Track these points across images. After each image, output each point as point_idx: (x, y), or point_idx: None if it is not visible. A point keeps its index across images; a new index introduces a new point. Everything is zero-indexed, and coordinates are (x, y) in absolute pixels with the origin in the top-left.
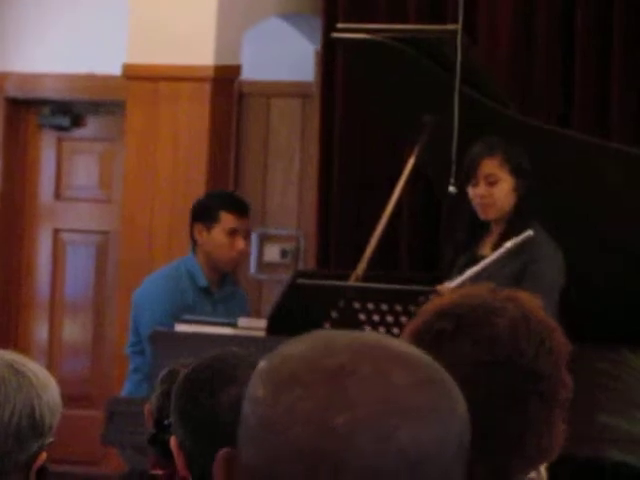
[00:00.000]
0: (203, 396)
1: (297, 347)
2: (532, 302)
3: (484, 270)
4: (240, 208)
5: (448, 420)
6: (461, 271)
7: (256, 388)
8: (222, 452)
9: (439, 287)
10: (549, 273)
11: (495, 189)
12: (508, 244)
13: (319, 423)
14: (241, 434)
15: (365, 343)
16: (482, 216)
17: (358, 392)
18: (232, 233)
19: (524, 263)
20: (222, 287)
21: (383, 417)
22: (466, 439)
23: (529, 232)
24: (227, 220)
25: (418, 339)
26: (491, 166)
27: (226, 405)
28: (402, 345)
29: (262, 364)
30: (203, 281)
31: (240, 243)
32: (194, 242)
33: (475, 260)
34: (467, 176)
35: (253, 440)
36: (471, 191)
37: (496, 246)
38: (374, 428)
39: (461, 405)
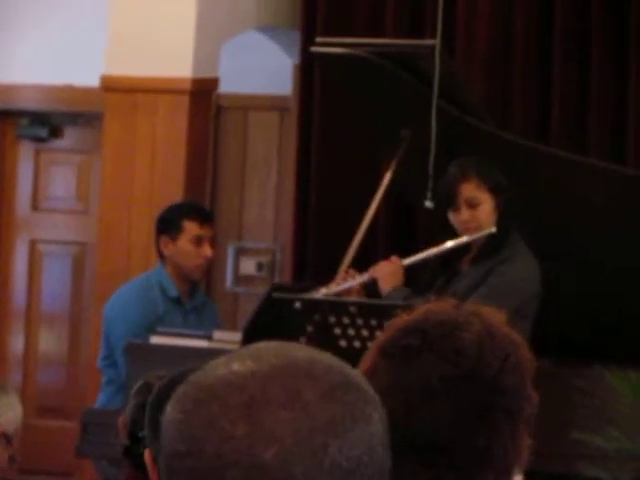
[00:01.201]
0: None
1: (204, 385)
2: (497, 317)
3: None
4: (202, 215)
5: (369, 422)
6: (440, 290)
7: (175, 443)
8: None
9: (392, 258)
10: (516, 276)
11: (478, 212)
12: (466, 237)
13: (250, 462)
14: None
15: (269, 365)
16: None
17: (277, 422)
18: (197, 241)
19: (496, 262)
20: (193, 298)
21: (309, 439)
22: (387, 436)
23: (492, 229)
24: (191, 228)
25: (384, 355)
26: (469, 189)
27: None
28: (304, 354)
29: (173, 414)
30: (174, 291)
31: (206, 250)
32: (161, 255)
33: (455, 274)
34: (446, 202)
35: None
36: (453, 216)
37: (476, 260)
38: (304, 452)
39: (375, 402)
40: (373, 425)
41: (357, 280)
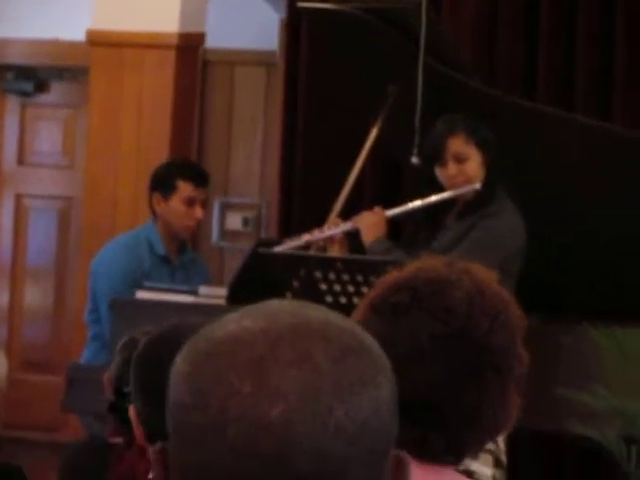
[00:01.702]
0: (161, 366)
1: (214, 340)
2: (487, 275)
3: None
4: (198, 177)
5: (377, 388)
6: (424, 244)
7: (182, 395)
8: (156, 447)
9: (376, 208)
10: (500, 231)
11: (465, 166)
12: (450, 192)
13: (254, 419)
14: (174, 437)
15: (281, 324)
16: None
17: (284, 381)
18: (190, 202)
19: (481, 217)
20: (181, 255)
21: (315, 400)
22: (395, 402)
23: (476, 185)
24: (185, 189)
25: (375, 312)
26: (457, 144)
27: None
28: (319, 315)
29: (182, 366)
30: (161, 249)
31: (198, 212)
32: (153, 211)
33: (440, 229)
34: (433, 157)
35: (188, 443)
36: (440, 172)
37: (461, 215)
38: (309, 413)
39: (386, 369)
40: (382, 391)
41: (340, 228)
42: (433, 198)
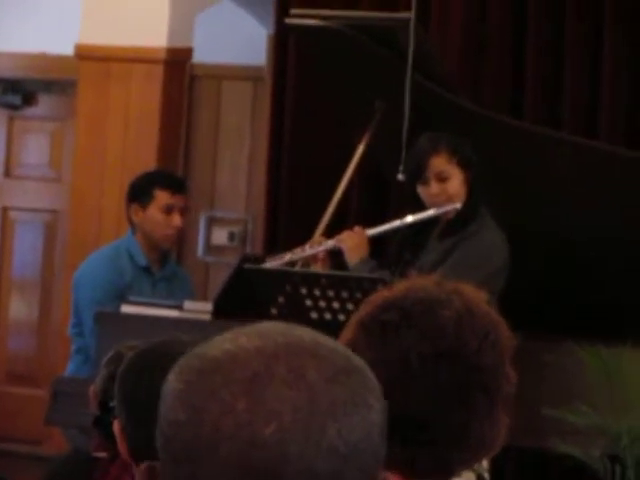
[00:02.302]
0: (146, 382)
1: (208, 357)
2: (477, 295)
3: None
4: (174, 184)
5: (369, 409)
6: (406, 265)
7: (176, 411)
8: (144, 466)
9: (356, 228)
10: (482, 250)
11: (447, 185)
12: (432, 210)
13: (247, 437)
14: (165, 454)
15: (276, 343)
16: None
17: (278, 400)
18: (168, 210)
19: (463, 237)
20: (163, 267)
21: (308, 420)
22: (385, 423)
23: (456, 204)
24: (162, 197)
25: (364, 330)
26: (440, 163)
27: None
28: (313, 336)
29: (175, 383)
30: (142, 260)
31: (176, 219)
32: (131, 223)
33: (422, 249)
34: (416, 175)
35: (180, 460)
36: (422, 190)
37: (443, 235)
38: (302, 432)
39: (377, 391)
40: (373, 413)
41: (322, 247)
42: (414, 217)
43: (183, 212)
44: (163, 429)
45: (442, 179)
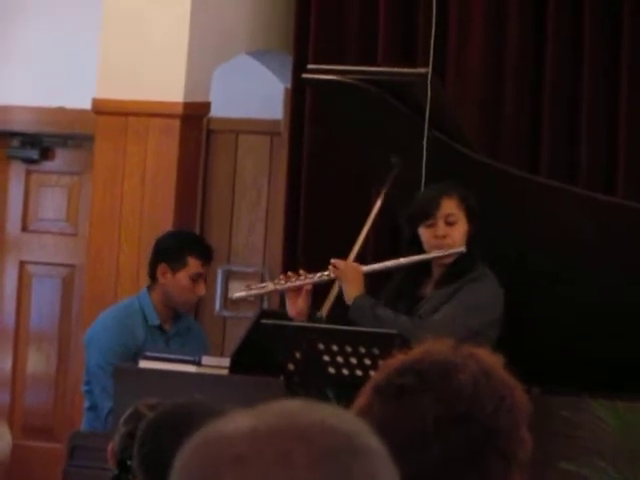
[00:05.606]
0: (166, 443)
1: (206, 437)
2: (493, 360)
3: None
4: (208, 255)
5: None
6: (404, 312)
7: None
8: None
9: (352, 263)
10: (485, 297)
11: (454, 230)
12: (434, 252)
13: None
14: None
15: (268, 423)
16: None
17: None
18: (196, 278)
19: (464, 282)
20: (175, 323)
21: None
22: None
23: (462, 248)
24: (194, 266)
25: (379, 394)
26: (450, 206)
27: None
28: (314, 415)
29: (177, 461)
30: (155, 320)
31: (201, 288)
32: (153, 279)
33: (416, 301)
34: (422, 216)
35: None
36: (425, 232)
37: (441, 282)
38: None
39: (386, 469)
40: None
41: (317, 277)
42: (411, 259)
43: (206, 280)
44: None
45: (450, 222)
